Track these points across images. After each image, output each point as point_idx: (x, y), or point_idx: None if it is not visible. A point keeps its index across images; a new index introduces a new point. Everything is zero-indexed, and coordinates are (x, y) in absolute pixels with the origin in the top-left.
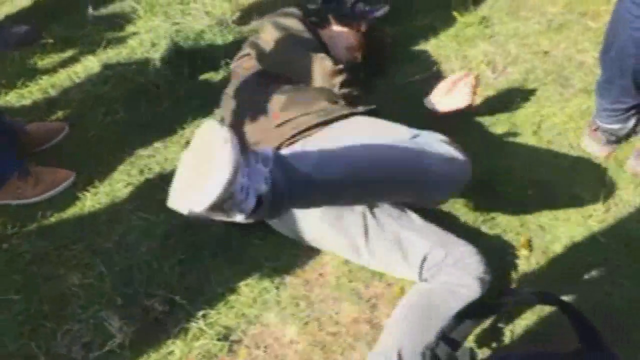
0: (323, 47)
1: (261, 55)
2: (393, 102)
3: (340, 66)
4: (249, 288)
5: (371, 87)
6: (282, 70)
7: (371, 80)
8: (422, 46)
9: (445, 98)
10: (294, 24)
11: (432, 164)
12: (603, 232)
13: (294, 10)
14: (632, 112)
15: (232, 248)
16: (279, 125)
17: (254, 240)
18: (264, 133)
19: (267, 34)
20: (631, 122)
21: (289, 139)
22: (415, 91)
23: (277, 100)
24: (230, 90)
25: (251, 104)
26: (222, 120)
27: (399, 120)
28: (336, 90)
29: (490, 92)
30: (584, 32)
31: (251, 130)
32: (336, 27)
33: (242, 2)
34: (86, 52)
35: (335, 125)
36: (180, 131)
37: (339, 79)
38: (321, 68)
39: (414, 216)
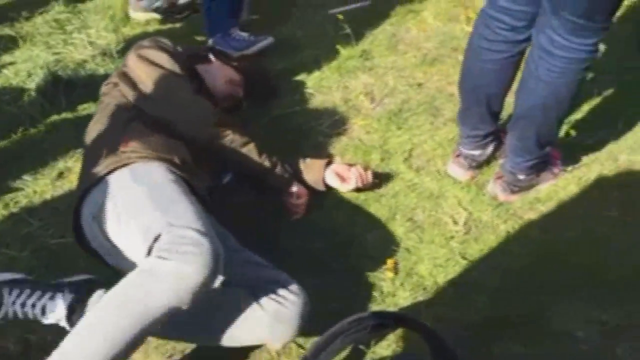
0: (199, 83)
1: (135, 91)
2: (271, 134)
3: (218, 110)
4: None
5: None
6: (155, 108)
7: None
8: (305, 78)
9: (335, 177)
10: (164, 60)
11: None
12: (463, 253)
13: (164, 41)
14: (490, 138)
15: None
16: (124, 152)
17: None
18: (106, 154)
19: (139, 69)
20: (490, 149)
21: (121, 166)
22: (294, 123)
23: (137, 134)
24: (94, 119)
25: (110, 132)
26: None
27: (276, 151)
28: (210, 130)
29: (368, 122)
30: (455, 66)
31: (98, 151)
32: (216, 63)
33: (127, 33)
34: None
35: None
36: (53, 162)
37: (214, 119)
38: (198, 110)
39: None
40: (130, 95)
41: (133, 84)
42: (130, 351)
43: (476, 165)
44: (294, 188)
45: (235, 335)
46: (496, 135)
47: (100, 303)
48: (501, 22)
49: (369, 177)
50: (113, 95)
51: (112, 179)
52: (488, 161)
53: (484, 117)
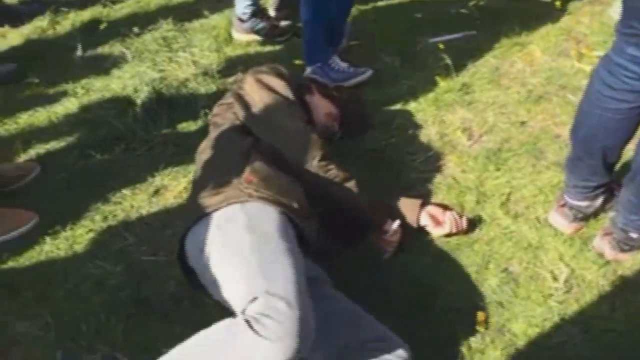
0: (306, 112)
1: (247, 113)
2: (363, 168)
3: (322, 140)
4: None
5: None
6: (265, 133)
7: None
8: (401, 110)
9: (430, 219)
10: (280, 86)
11: None
12: (563, 314)
13: (280, 68)
14: (601, 190)
15: (184, 307)
16: (247, 188)
17: (206, 299)
18: (228, 185)
19: (254, 92)
20: (599, 201)
21: (244, 200)
22: (387, 157)
23: (257, 167)
24: (208, 140)
25: (226, 157)
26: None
27: (368, 186)
28: (315, 162)
29: (464, 160)
30: (562, 105)
31: (217, 179)
32: (317, 95)
33: (229, 53)
34: (69, 94)
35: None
36: (150, 179)
37: (321, 152)
38: (307, 140)
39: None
40: (242, 116)
41: (247, 106)
42: None
43: (582, 217)
44: (391, 224)
45: None
46: (607, 187)
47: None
48: (629, 71)
49: (464, 223)
50: (226, 116)
51: (226, 215)
52: (596, 213)
53: (597, 169)
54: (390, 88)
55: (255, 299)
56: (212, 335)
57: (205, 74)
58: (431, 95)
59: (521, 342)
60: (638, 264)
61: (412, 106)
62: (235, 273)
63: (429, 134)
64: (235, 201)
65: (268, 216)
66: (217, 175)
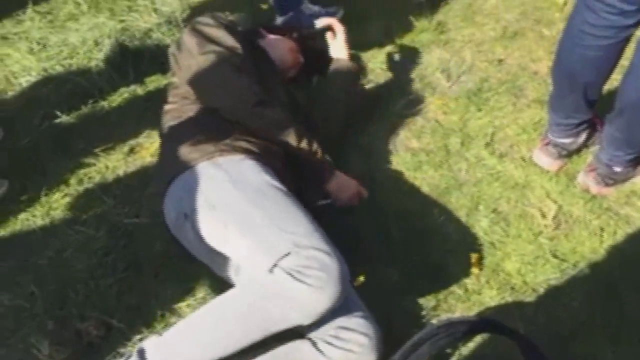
0: (264, 57)
1: (184, 75)
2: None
3: (258, 88)
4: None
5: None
6: (194, 88)
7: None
8: (376, 53)
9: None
10: (219, 34)
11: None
12: (553, 250)
13: (220, 15)
14: (584, 126)
15: (174, 265)
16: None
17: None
18: (187, 145)
19: (189, 43)
20: (582, 137)
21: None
22: (365, 103)
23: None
24: (169, 101)
25: (188, 122)
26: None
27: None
28: (249, 109)
29: (444, 101)
30: (538, 40)
31: (178, 142)
32: (269, 36)
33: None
34: (24, 51)
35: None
36: (123, 137)
37: (254, 98)
38: (238, 89)
39: None
40: (187, 84)
41: (183, 68)
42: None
43: (566, 154)
44: (333, 183)
45: None
46: (590, 123)
47: (220, 305)
48: (609, 6)
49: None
50: (178, 74)
51: (198, 173)
52: (579, 150)
53: (580, 105)
54: (362, 30)
55: (287, 254)
56: (251, 291)
57: (169, 22)
58: (406, 36)
59: (515, 281)
60: (623, 197)
61: (387, 49)
62: (252, 237)
63: (406, 76)
64: (201, 159)
65: (244, 164)
66: (178, 137)
